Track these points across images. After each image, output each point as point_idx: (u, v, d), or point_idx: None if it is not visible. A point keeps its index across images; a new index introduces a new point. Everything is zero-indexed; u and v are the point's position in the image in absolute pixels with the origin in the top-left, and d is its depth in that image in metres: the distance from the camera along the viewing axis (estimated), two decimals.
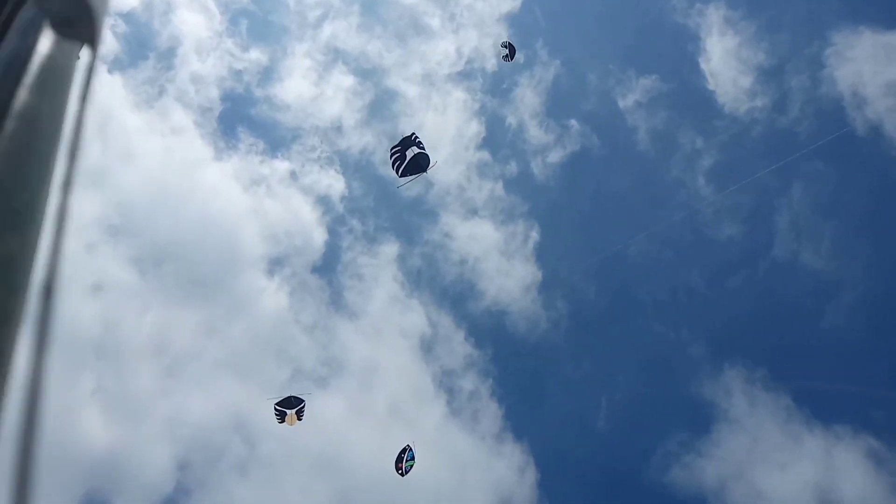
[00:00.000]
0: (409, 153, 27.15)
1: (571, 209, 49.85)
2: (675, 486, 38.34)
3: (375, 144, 48.06)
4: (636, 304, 45.37)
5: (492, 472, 40.46)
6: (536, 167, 47.89)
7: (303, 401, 30.07)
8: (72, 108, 1.15)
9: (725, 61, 45.87)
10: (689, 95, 47.90)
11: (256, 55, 48.60)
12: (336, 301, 44.78)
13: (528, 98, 48.58)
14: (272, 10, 50.48)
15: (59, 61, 1.17)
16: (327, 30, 49.93)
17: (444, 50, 49.71)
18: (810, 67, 43.81)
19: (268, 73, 48.96)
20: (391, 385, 44.06)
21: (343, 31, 50.14)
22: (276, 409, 29.67)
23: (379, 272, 45.45)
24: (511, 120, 48.86)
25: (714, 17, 46.71)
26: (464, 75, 49.29)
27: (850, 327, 40.95)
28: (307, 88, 48.84)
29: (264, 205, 46.47)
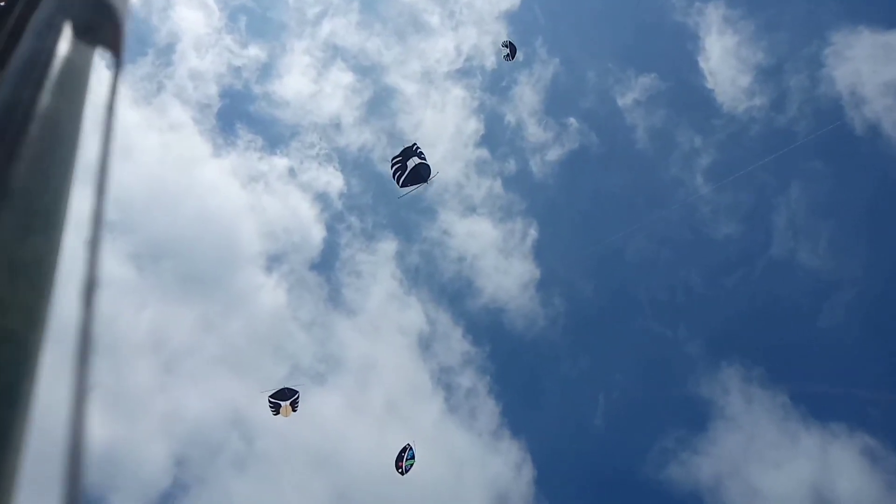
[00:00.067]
0: (411, 163, 27.10)
1: (570, 207, 49.92)
2: (672, 483, 38.47)
3: (374, 142, 48.05)
4: (634, 302, 45.46)
5: (489, 468, 40.55)
6: (535, 165, 47.93)
7: (297, 392, 30.08)
8: (87, 110, 1.16)
9: (724, 60, 45.91)
10: (687, 94, 47.97)
11: (255, 52, 48.53)
12: (334, 298, 44.80)
13: (526, 96, 48.59)
14: (271, 6, 50.40)
15: (78, 63, 1.18)
16: (326, 27, 49.87)
17: (443, 47, 49.69)
18: (809, 67, 43.89)
19: (267, 70, 48.92)
20: (389, 382, 44.11)
21: (342, 27, 50.08)
22: (270, 402, 29.68)
23: (377, 269, 45.48)
24: (510, 118, 48.88)
25: (713, 16, 46.75)
26: (463, 73, 49.29)
27: (847, 326, 41.09)
28: (306, 85, 48.79)
29: (262, 201, 46.47)
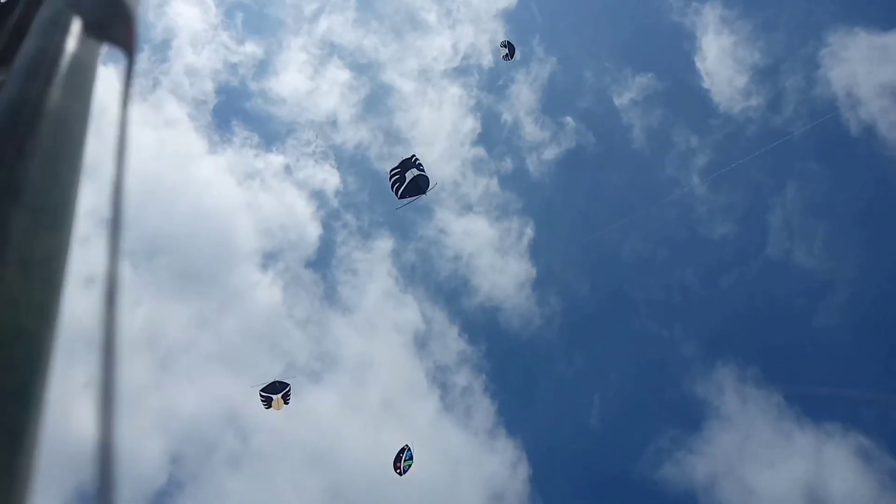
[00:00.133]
0: (409, 175, 27.12)
1: (566, 206, 49.95)
2: (667, 482, 38.58)
3: (370, 139, 48.00)
4: (629, 301, 45.55)
5: (484, 467, 40.59)
6: (531, 164, 47.95)
7: (288, 385, 30.02)
8: (93, 107, 1.16)
9: (721, 60, 45.99)
10: (684, 94, 48.03)
11: (252, 48, 48.44)
12: (330, 296, 44.76)
13: (523, 95, 48.61)
14: (268, 3, 50.28)
15: (86, 61, 1.18)
16: (323, 24, 49.79)
17: (440, 45, 49.67)
18: (805, 67, 44.00)
19: (263, 67, 48.82)
20: (385, 380, 44.10)
21: (339, 25, 50.01)
22: (261, 396, 29.61)
23: (373, 267, 45.46)
24: (507, 116, 48.90)
25: (710, 16, 46.82)
26: (460, 71, 49.29)
27: (842, 327, 41.24)
28: (302, 82, 48.71)
29: (258, 199, 46.39)
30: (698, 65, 46.76)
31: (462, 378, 42.67)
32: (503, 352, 45.10)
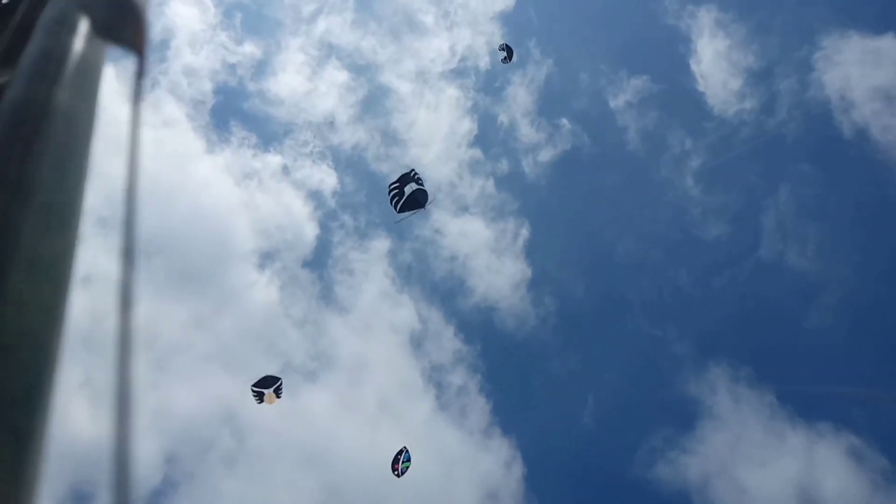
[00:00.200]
0: (408, 189, 27.09)
1: (562, 207, 50.00)
2: (660, 482, 38.64)
3: (368, 140, 47.93)
4: (624, 302, 45.60)
5: (479, 466, 40.59)
6: (527, 165, 47.94)
7: (279, 379, 29.88)
8: (99, 107, 1.16)
9: (716, 63, 46.10)
10: (679, 96, 48.12)
11: (250, 49, 48.27)
12: (326, 296, 44.66)
13: (520, 96, 48.61)
14: (266, 3, 50.14)
15: (92, 61, 1.18)
16: (322, 25, 49.67)
17: (437, 47, 49.60)
18: (799, 71, 44.13)
19: (261, 67, 48.66)
20: (380, 379, 44.05)
21: (337, 26, 49.90)
22: (253, 391, 29.51)
23: (370, 267, 45.37)
24: (503, 118, 48.86)
25: (705, 19, 46.91)
26: (457, 73, 49.22)
27: (834, 327, 41.39)
28: (300, 83, 48.57)
29: (256, 199, 46.22)
30: (693, 67, 46.87)
31: (457, 378, 42.67)
32: (498, 352, 45.12)
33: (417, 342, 43.70)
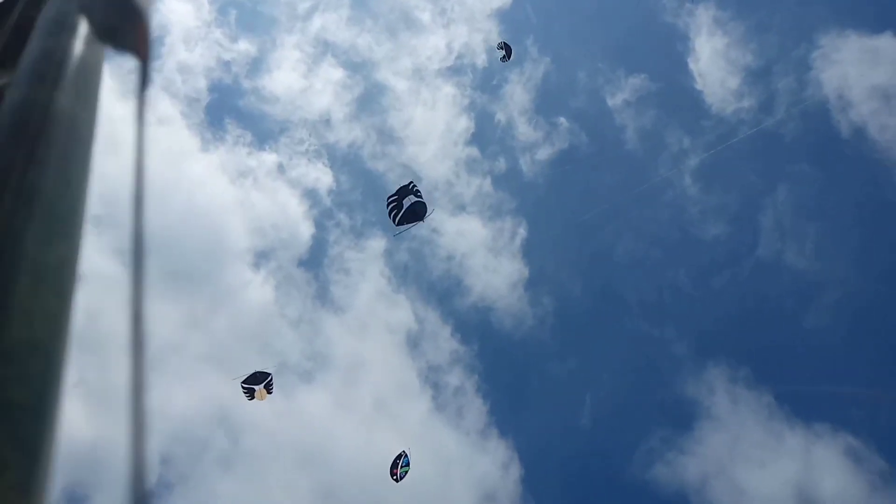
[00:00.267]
0: (407, 202, 27.06)
1: (559, 206, 50.08)
2: (658, 482, 38.71)
3: (364, 138, 47.92)
4: (622, 302, 45.68)
5: (476, 467, 40.62)
6: (525, 164, 48.00)
7: (269, 374, 29.86)
8: (100, 111, 1.14)
9: (714, 62, 46.20)
10: (677, 95, 48.22)
11: (245, 46, 48.20)
12: (322, 295, 44.65)
13: (517, 95, 48.65)
14: (261, 0, 50.11)
15: (92, 64, 1.16)
16: (317, 22, 49.64)
17: (434, 45, 49.63)
18: (797, 69, 44.26)
19: (256, 65, 48.59)
20: (377, 380, 44.06)
21: (333, 23, 49.87)
22: (243, 388, 29.45)
23: (366, 267, 45.37)
24: (500, 116, 48.91)
25: (703, 17, 47.01)
26: (454, 70, 49.25)
27: (833, 327, 41.54)
28: (296, 81, 48.55)
29: (251, 197, 46.20)
30: (691, 66, 46.99)
31: (454, 378, 42.70)
32: (495, 352, 45.18)
33: (414, 342, 43.73)
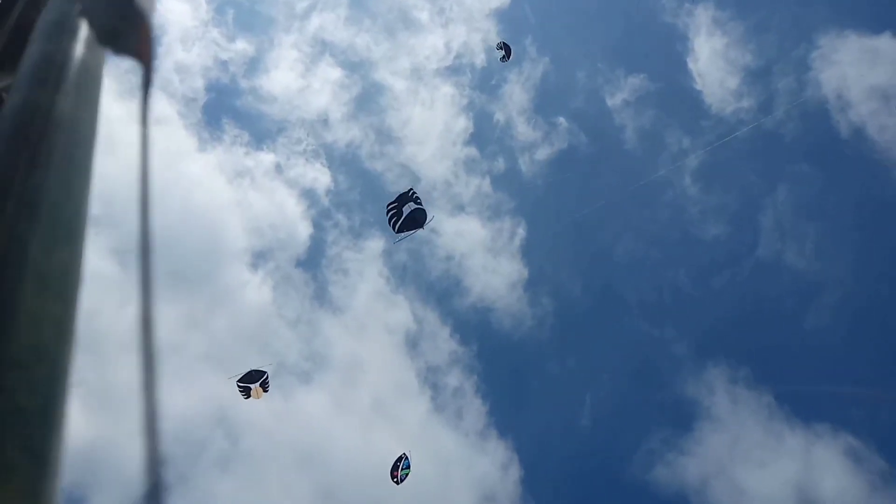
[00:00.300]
0: (406, 209, 27.00)
1: (558, 206, 50.07)
2: (658, 482, 38.71)
3: (362, 138, 47.88)
4: (621, 302, 45.68)
5: (476, 468, 40.59)
6: (524, 164, 48.00)
7: (265, 373, 29.76)
8: (101, 115, 1.13)
9: (713, 62, 46.22)
10: (676, 95, 48.23)
11: (243, 46, 48.18)
12: (320, 295, 44.62)
13: (516, 94, 48.66)
14: (259, 0, 50.07)
15: (93, 67, 1.15)
16: (315, 21, 49.62)
17: (432, 44, 49.64)
18: (796, 70, 44.28)
19: (254, 64, 48.59)
20: (375, 380, 44.02)
21: (331, 23, 49.86)
22: (239, 387, 29.37)
23: (364, 267, 45.35)
24: (499, 116, 48.92)
25: (703, 17, 47.04)
26: (452, 70, 49.27)
27: (832, 328, 41.55)
28: (294, 80, 48.52)
29: (248, 197, 46.19)
30: (690, 66, 47.02)
31: (453, 379, 42.67)
32: (494, 352, 45.15)
33: (413, 343, 43.70)
